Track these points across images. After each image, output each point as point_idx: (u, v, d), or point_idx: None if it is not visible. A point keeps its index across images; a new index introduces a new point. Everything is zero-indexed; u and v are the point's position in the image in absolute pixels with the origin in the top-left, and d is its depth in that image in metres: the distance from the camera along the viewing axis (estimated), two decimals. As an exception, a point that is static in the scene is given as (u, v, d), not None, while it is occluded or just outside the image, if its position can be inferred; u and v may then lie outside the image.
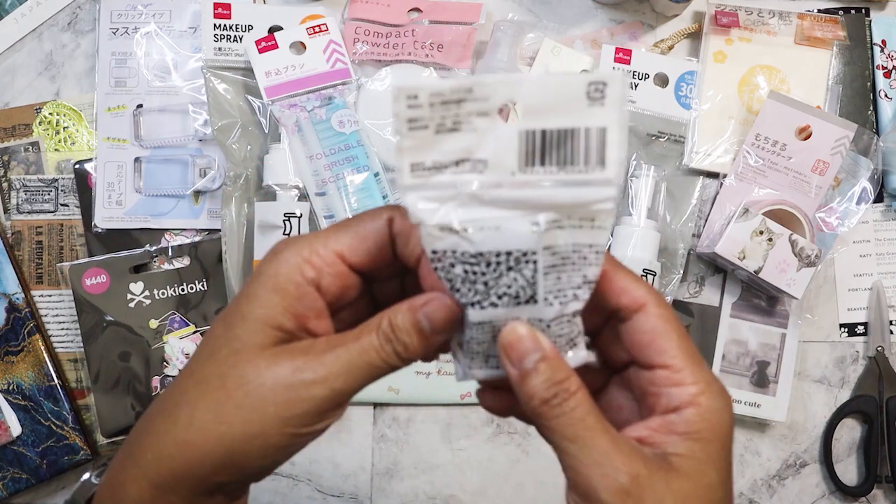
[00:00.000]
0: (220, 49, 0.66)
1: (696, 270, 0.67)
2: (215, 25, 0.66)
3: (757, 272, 0.62)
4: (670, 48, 0.69)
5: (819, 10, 0.69)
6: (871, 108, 0.68)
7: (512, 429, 0.67)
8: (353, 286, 0.32)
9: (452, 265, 0.28)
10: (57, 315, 0.66)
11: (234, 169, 0.65)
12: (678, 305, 0.67)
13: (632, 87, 0.66)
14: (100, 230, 0.66)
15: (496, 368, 0.31)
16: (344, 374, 0.29)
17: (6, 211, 0.67)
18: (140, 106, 0.67)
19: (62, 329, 0.66)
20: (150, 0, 0.67)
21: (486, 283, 0.28)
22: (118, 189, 0.66)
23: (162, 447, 0.29)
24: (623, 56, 0.66)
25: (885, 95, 0.68)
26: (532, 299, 0.29)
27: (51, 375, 0.64)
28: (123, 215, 0.66)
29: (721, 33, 0.67)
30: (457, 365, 0.32)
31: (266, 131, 0.65)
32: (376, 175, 0.64)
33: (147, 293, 0.65)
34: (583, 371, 0.30)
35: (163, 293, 0.65)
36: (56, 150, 0.68)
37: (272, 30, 0.66)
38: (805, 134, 0.64)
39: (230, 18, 0.66)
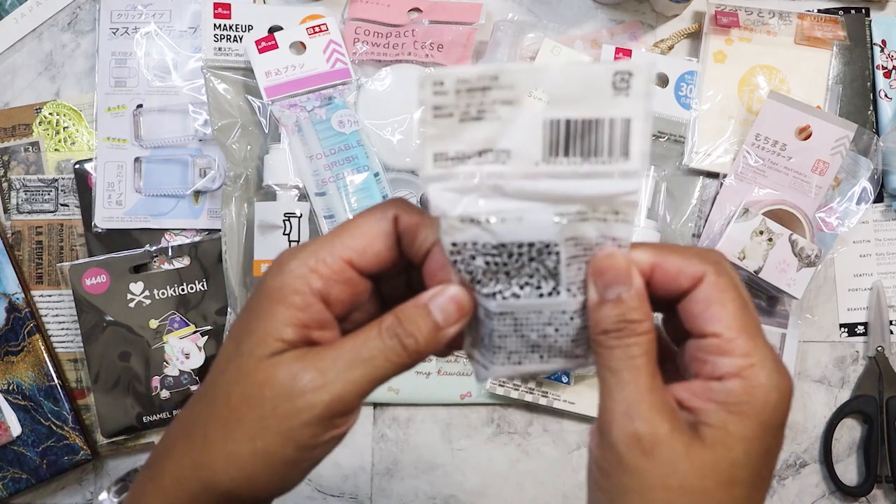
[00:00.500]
0: (220, 49, 0.66)
1: (696, 270, 0.67)
2: (215, 25, 0.66)
3: (757, 272, 0.62)
4: (670, 48, 0.69)
5: (819, 10, 0.69)
6: (871, 108, 0.68)
7: (512, 429, 0.67)
8: (364, 290, 0.31)
9: (473, 257, 0.28)
10: (57, 315, 0.66)
11: (234, 169, 0.65)
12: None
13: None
14: (100, 230, 0.66)
15: (519, 364, 0.30)
16: (343, 377, 0.28)
17: (6, 211, 0.67)
18: (140, 106, 0.67)
19: (62, 329, 0.66)
20: (150, 0, 0.67)
21: (507, 273, 0.28)
22: (118, 189, 0.66)
23: (180, 470, 0.29)
24: (623, 56, 0.66)
25: (885, 95, 0.68)
26: (555, 290, 0.28)
27: (51, 375, 0.64)
28: (123, 215, 0.66)
29: (721, 33, 0.67)
30: (475, 365, 0.31)
31: (266, 131, 0.65)
32: (376, 175, 0.64)
33: (147, 293, 0.65)
34: None
35: (163, 293, 0.65)
36: (56, 150, 0.68)
37: (272, 30, 0.66)
38: (805, 134, 0.64)
39: (230, 18, 0.66)
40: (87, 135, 0.68)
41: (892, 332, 0.67)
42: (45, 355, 0.64)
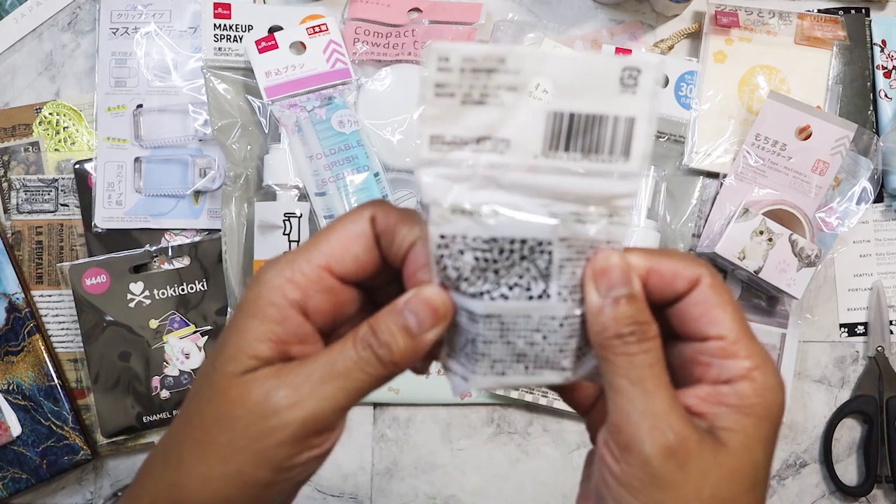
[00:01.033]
0: (220, 49, 0.66)
1: (696, 270, 0.67)
2: (215, 25, 0.66)
3: (757, 272, 0.62)
4: (670, 48, 0.69)
5: (819, 10, 0.69)
6: (871, 108, 0.68)
7: (512, 429, 0.67)
8: (349, 300, 0.30)
9: (462, 252, 0.26)
10: (57, 315, 0.66)
11: (234, 169, 0.65)
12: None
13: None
14: (100, 230, 0.66)
15: (502, 375, 0.29)
16: (318, 393, 0.27)
17: (6, 211, 0.67)
18: (140, 106, 0.67)
19: (62, 329, 0.66)
20: (150, 0, 0.67)
21: (496, 272, 0.27)
22: (118, 189, 0.66)
23: (157, 492, 0.28)
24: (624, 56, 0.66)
25: (885, 95, 0.68)
26: (545, 293, 0.27)
27: (51, 375, 0.64)
28: (123, 215, 0.66)
29: (721, 33, 0.67)
30: (452, 377, 0.29)
31: (266, 131, 0.65)
32: (376, 175, 0.64)
33: (147, 293, 0.65)
34: None
35: (163, 293, 0.65)
36: (56, 150, 0.68)
37: (272, 30, 0.66)
38: (805, 134, 0.64)
39: (230, 18, 0.66)
40: (87, 135, 0.68)
41: (892, 332, 0.67)
42: (45, 355, 0.64)
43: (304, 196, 0.64)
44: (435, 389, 0.66)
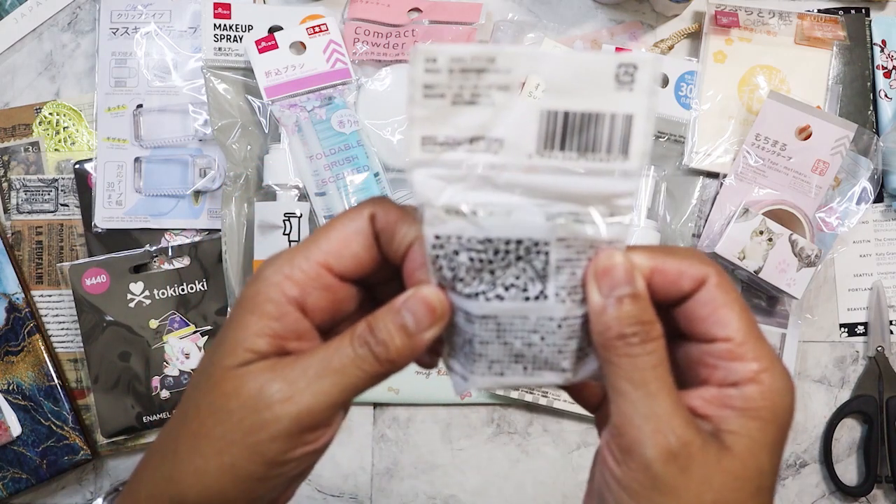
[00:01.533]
0: (220, 49, 0.66)
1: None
2: (215, 25, 0.66)
3: (757, 272, 0.62)
4: (670, 48, 0.69)
5: (819, 10, 0.69)
6: (871, 108, 0.68)
7: (512, 429, 0.67)
8: (348, 297, 0.30)
9: (457, 252, 0.26)
10: (57, 315, 0.66)
11: (234, 169, 0.65)
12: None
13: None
14: (100, 230, 0.66)
15: (501, 375, 0.28)
16: (313, 388, 0.27)
17: (6, 211, 0.67)
18: (140, 106, 0.67)
19: (62, 329, 0.66)
20: (150, 0, 0.67)
21: (492, 272, 0.26)
22: (118, 189, 0.66)
23: (153, 485, 0.28)
24: (623, 56, 0.66)
25: (885, 95, 0.68)
26: (542, 294, 0.27)
27: (51, 375, 0.64)
28: (123, 215, 0.66)
29: (721, 33, 0.67)
30: (453, 377, 0.29)
31: (266, 131, 0.65)
32: (376, 175, 0.64)
33: (147, 293, 0.65)
34: None
35: (163, 293, 0.65)
36: (56, 150, 0.68)
37: (272, 30, 0.66)
38: (805, 134, 0.64)
39: (230, 18, 0.66)
40: (87, 135, 0.68)
41: (892, 332, 0.67)
42: (45, 355, 0.64)
43: (304, 196, 0.64)
44: (435, 389, 0.66)
